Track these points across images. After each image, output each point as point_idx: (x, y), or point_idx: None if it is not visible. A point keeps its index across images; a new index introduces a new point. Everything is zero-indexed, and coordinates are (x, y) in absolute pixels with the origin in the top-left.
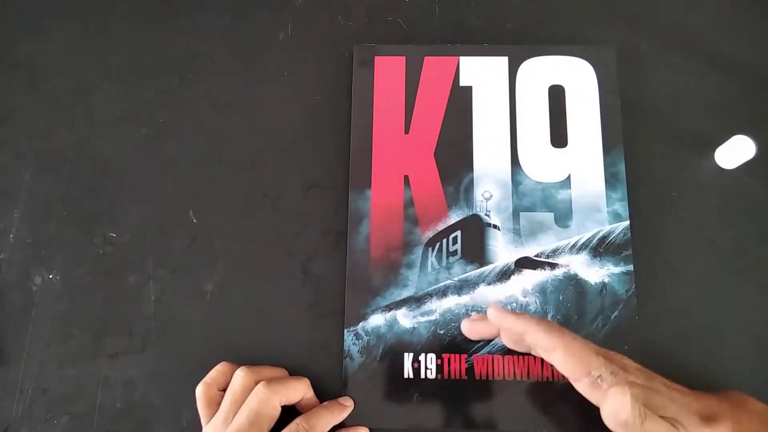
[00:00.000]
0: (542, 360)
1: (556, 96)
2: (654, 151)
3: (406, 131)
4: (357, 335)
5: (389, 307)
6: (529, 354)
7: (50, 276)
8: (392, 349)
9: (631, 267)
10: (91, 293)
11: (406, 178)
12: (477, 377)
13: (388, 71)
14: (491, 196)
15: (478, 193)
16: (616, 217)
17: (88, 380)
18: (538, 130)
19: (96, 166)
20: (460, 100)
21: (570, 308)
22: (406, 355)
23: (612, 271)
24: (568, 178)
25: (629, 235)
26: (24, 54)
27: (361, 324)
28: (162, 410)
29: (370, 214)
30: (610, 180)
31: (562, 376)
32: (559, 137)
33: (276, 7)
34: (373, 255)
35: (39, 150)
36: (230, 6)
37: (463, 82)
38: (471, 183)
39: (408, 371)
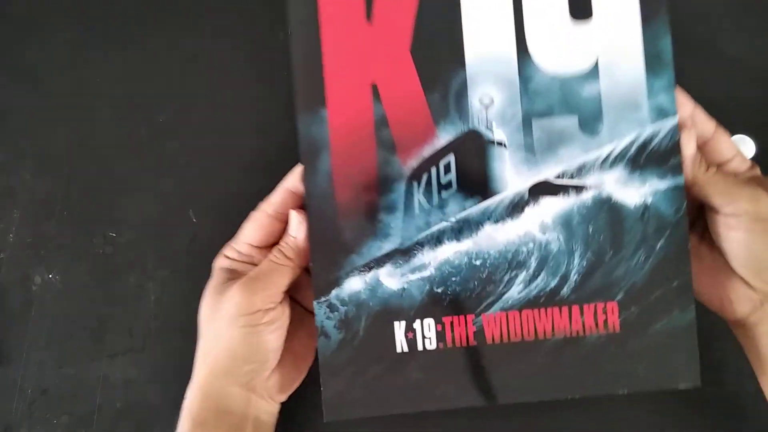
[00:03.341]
0: (569, 310)
1: None
2: None
3: (368, 18)
4: (331, 306)
5: (369, 266)
6: (553, 305)
7: (50, 276)
8: (378, 319)
9: (681, 180)
10: (91, 293)
11: (375, 87)
12: (489, 342)
13: None
14: (492, 101)
15: (474, 98)
16: (660, 113)
17: (87, 380)
18: None
19: (96, 166)
20: None
21: (603, 242)
22: (396, 324)
23: (656, 187)
24: (596, 65)
25: (676, 136)
26: (24, 54)
27: (334, 292)
28: (162, 410)
29: (329, 144)
30: (652, 63)
31: (595, 328)
32: (580, 5)
33: None
34: (340, 199)
35: (39, 150)
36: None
37: None
38: (464, 85)
39: (401, 344)
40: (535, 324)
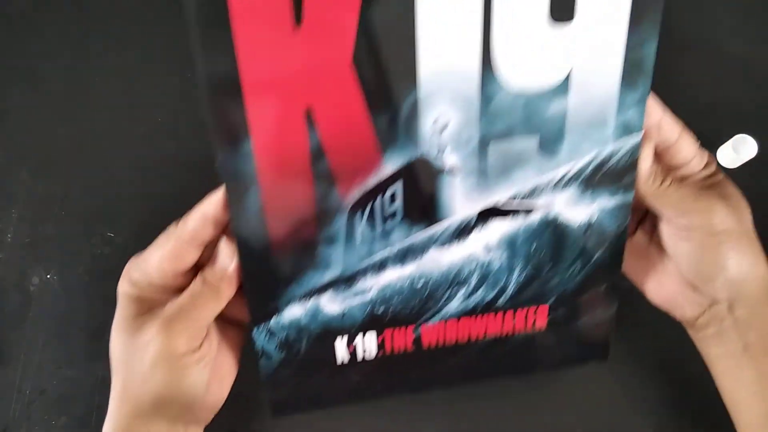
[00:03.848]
0: (502, 315)
1: None
2: None
3: (298, 21)
4: (270, 332)
5: (308, 295)
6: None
7: (48, 276)
8: (319, 339)
9: (630, 197)
10: (89, 293)
11: (309, 112)
12: (426, 347)
13: None
14: (447, 123)
15: (428, 120)
16: (626, 129)
17: (86, 381)
18: None
19: (95, 166)
20: None
21: (543, 257)
22: (338, 339)
23: (605, 205)
24: (567, 78)
25: (636, 154)
26: (24, 54)
27: (273, 319)
28: None
29: (257, 181)
30: (630, 72)
31: (524, 329)
32: (563, 3)
33: None
34: (274, 236)
35: (37, 150)
36: None
37: None
38: (416, 105)
39: (342, 357)
40: (470, 329)
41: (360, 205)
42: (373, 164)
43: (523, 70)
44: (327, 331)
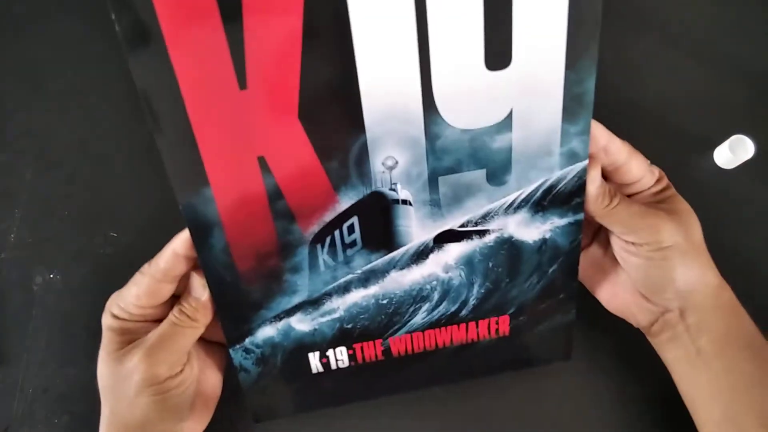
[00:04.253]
0: (466, 326)
1: None
2: (653, 150)
3: (242, 85)
4: (246, 350)
5: (279, 317)
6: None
7: (51, 276)
8: (293, 353)
9: (581, 216)
10: (92, 293)
11: (262, 160)
12: (396, 355)
13: None
14: (396, 163)
15: (377, 161)
16: (571, 158)
17: (88, 380)
18: (464, 43)
19: (96, 166)
20: (325, 4)
21: (500, 273)
22: (311, 354)
23: (556, 224)
24: (509, 116)
25: (583, 178)
26: (24, 54)
27: (248, 339)
28: None
29: (220, 222)
30: (570, 107)
31: (488, 335)
32: (497, 52)
33: None
34: (242, 268)
35: (39, 150)
36: None
37: None
38: (364, 149)
39: (316, 367)
40: (436, 338)
41: (320, 237)
42: (329, 202)
43: (465, 111)
44: (300, 347)
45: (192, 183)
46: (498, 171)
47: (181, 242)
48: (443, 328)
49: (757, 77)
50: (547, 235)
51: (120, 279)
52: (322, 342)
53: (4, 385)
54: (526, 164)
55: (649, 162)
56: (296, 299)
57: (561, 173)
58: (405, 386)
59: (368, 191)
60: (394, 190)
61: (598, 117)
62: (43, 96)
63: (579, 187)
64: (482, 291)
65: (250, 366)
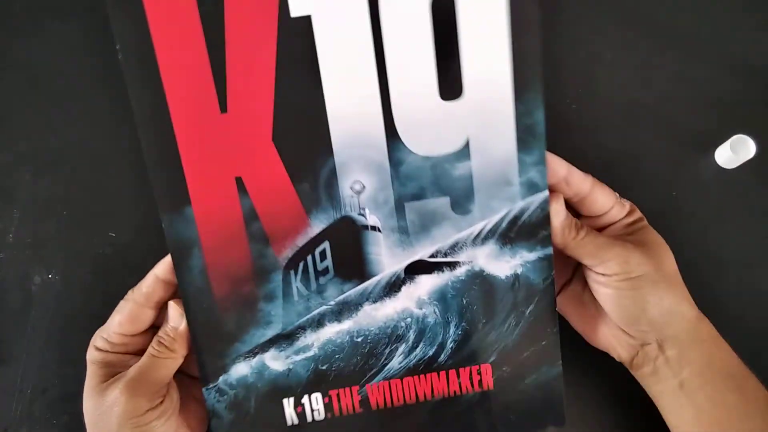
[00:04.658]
0: (446, 375)
1: (443, 16)
2: (654, 150)
3: (223, 109)
4: (220, 391)
5: (253, 352)
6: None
7: (50, 276)
8: (267, 398)
9: (549, 250)
10: (91, 293)
11: (239, 180)
12: (374, 408)
13: (168, 13)
14: (363, 187)
15: (345, 185)
16: (531, 188)
17: None
18: (418, 75)
19: (96, 166)
20: (295, 41)
21: (476, 312)
22: (285, 401)
23: (526, 258)
24: (467, 144)
25: (547, 209)
26: (24, 54)
27: (222, 378)
28: None
29: (199, 242)
30: (524, 138)
31: (471, 388)
32: (450, 84)
33: None
34: (218, 293)
35: (39, 150)
36: None
37: (295, 11)
38: (333, 173)
39: (291, 418)
40: (416, 388)
41: (293, 262)
42: (301, 225)
43: (424, 138)
44: (274, 390)
45: (175, 202)
46: (461, 199)
47: (163, 267)
48: (422, 377)
49: (759, 77)
50: (519, 271)
51: (119, 279)
52: (297, 385)
53: (3, 386)
54: (487, 193)
55: (618, 195)
56: (270, 332)
57: (523, 204)
58: None
59: (338, 215)
60: (362, 215)
61: (603, 118)
62: (43, 96)
63: (543, 218)
64: (459, 332)
65: (223, 411)
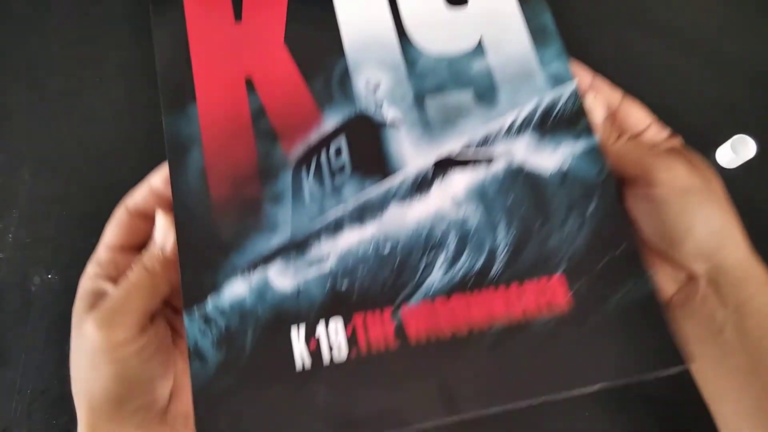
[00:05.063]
0: (506, 292)
1: None
2: None
3: (237, 17)
4: (207, 319)
5: (254, 265)
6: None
7: (49, 276)
8: (270, 330)
9: (595, 140)
10: None
11: (249, 81)
12: (413, 341)
13: None
14: (379, 83)
15: (360, 82)
16: (557, 79)
17: None
18: None
19: (96, 166)
20: None
21: (526, 212)
22: (294, 330)
23: (571, 150)
24: (480, 43)
25: (579, 99)
26: (24, 54)
27: (210, 300)
28: None
29: (200, 140)
30: (537, 35)
31: (540, 311)
32: None
33: None
34: (216, 196)
35: (38, 149)
36: None
37: None
38: (346, 71)
39: (301, 358)
40: (466, 312)
41: (305, 160)
42: (313, 121)
43: (435, 40)
44: (279, 318)
45: (179, 99)
46: (485, 90)
47: (158, 177)
48: (474, 294)
49: (760, 77)
50: (566, 165)
51: None
52: (310, 310)
53: (2, 387)
54: (512, 85)
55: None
56: (277, 239)
57: (553, 94)
58: (439, 407)
59: (354, 111)
60: (380, 110)
61: None
62: (42, 96)
63: (578, 109)
64: (511, 237)
65: (208, 349)
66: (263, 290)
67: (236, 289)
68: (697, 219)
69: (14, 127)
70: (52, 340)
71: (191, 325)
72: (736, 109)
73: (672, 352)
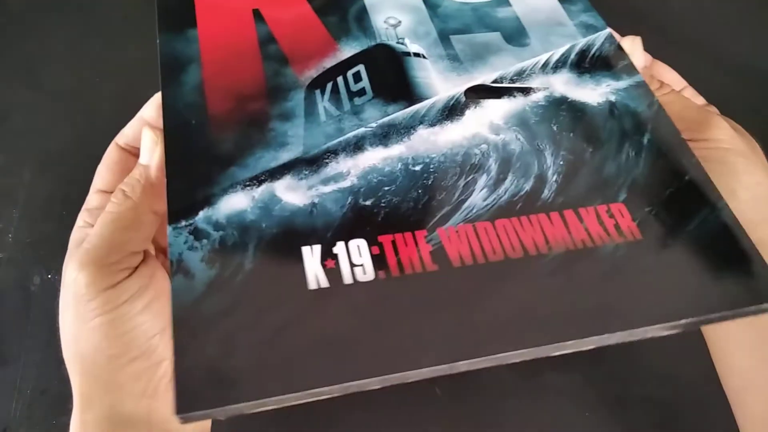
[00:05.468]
0: (562, 217)
1: None
2: None
3: None
4: (196, 232)
5: (259, 180)
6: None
7: (49, 276)
8: (276, 246)
9: (640, 77)
10: None
11: (257, 12)
12: (457, 264)
13: None
14: (399, 22)
15: (379, 19)
16: (588, 28)
17: None
18: None
19: (96, 166)
20: None
21: (575, 139)
22: (306, 250)
23: (616, 86)
24: None
25: (616, 43)
26: (24, 54)
27: (203, 213)
28: None
29: (199, 58)
30: None
31: (607, 236)
32: None
33: None
34: (214, 109)
35: (38, 149)
36: None
37: None
38: (363, 11)
39: (316, 277)
40: (518, 235)
41: (319, 82)
42: (328, 49)
43: None
44: (289, 234)
45: (178, 22)
46: (513, 34)
47: (150, 106)
48: (525, 219)
49: (762, 76)
50: (613, 98)
51: None
52: (327, 228)
53: (2, 386)
54: (542, 31)
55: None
56: (287, 155)
57: (588, 39)
58: (490, 344)
59: (374, 42)
60: (402, 43)
61: None
62: (42, 96)
63: (616, 50)
64: (561, 161)
65: (196, 265)
66: (270, 204)
67: (236, 203)
68: (741, 183)
69: (14, 127)
70: (52, 340)
71: (177, 238)
72: (738, 108)
73: (758, 289)
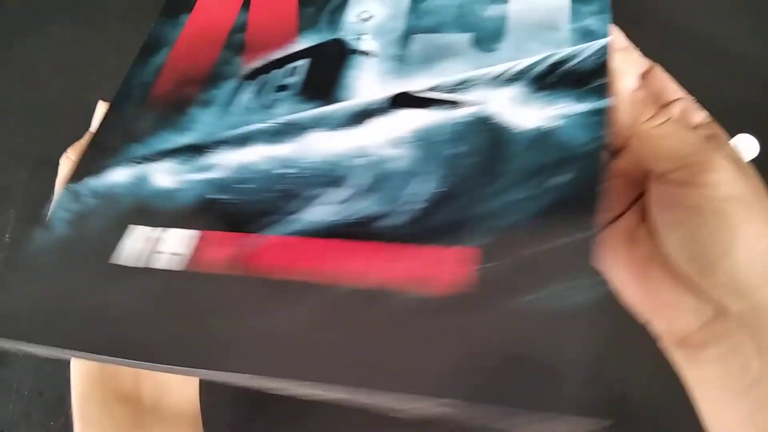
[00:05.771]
0: (402, 249)
1: None
2: None
3: None
4: (76, 195)
5: (146, 159)
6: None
7: None
8: (122, 220)
9: (605, 102)
10: None
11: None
12: (258, 274)
13: None
14: (371, 16)
15: (353, 13)
16: (586, 35)
17: None
18: None
19: None
20: None
21: (474, 167)
22: (133, 227)
23: (570, 109)
24: None
25: (605, 57)
26: (24, 54)
27: (89, 180)
28: None
29: (175, 43)
30: None
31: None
32: None
33: None
34: (157, 90)
35: (36, 149)
36: None
37: None
38: (345, 3)
39: (127, 253)
40: (341, 259)
41: (256, 73)
42: (284, 40)
43: None
44: (139, 210)
45: (178, 9)
46: (488, 37)
47: None
48: (358, 243)
49: (763, 76)
50: (554, 124)
51: None
52: (169, 213)
53: (0, 388)
54: (523, 34)
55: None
56: (183, 140)
57: (573, 50)
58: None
59: (330, 38)
60: (358, 39)
61: None
62: (41, 95)
63: (600, 66)
64: (437, 190)
65: (59, 223)
66: (140, 183)
67: (117, 176)
68: (740, 239)
69: (13, 127)
70: None
71: (62, 197)
72: (739, 108)
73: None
